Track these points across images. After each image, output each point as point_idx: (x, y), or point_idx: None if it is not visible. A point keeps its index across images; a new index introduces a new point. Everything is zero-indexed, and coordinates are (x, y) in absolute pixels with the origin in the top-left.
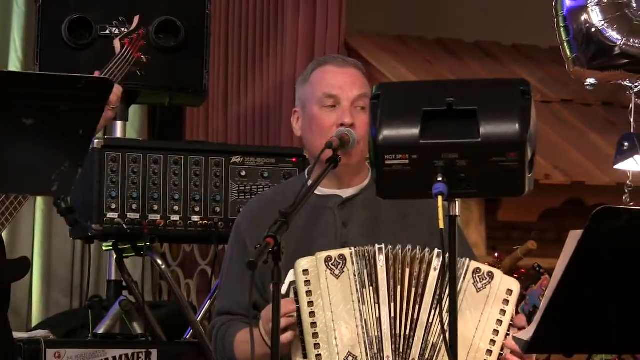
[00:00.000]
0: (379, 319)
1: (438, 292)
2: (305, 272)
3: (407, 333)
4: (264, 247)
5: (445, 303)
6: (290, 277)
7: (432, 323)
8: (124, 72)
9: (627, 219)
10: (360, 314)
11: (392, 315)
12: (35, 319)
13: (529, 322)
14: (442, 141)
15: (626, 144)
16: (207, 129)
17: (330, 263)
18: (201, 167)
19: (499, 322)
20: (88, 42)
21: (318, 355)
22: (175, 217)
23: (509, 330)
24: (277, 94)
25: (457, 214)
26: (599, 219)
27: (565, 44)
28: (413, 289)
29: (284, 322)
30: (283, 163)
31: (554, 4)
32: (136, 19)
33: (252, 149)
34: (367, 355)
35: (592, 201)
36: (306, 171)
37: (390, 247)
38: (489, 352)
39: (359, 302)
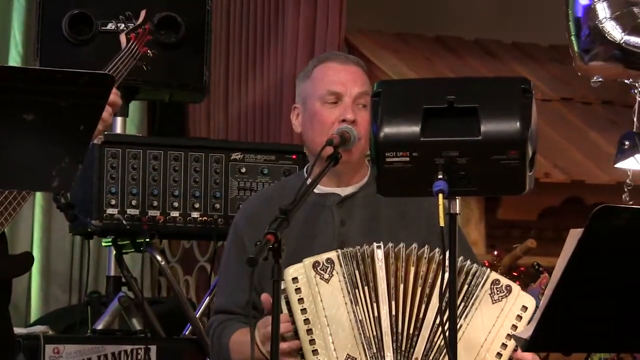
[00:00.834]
0: (377, 318)
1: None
2: (295, 280)
3: (411, 332)
4: (264, 244)
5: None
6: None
7: (439, 324)
8: (129, 66)
9: (627, 218)
10: (355, 315)
11: (394, 313)
12: (34, 315)
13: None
14: (443, 139)
15: (627, 142)
16: (208, 125)
17: (318, 268)
18: (201, 163)
19: (509, 336)
20: (88, 37)
21: None
22: (175, 214)
23: (516, 347)
24: (278, 91)
25: (458, 212)
26: (599, 218)
27: (573, 39)
28: (419, 288)
29: (283, 344)
30: (283, 160)
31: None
32: (142, 14)
33: (252, 146)
34: (366, 355)
35: (592, 200)
36: (305, 168)
37: (390, 245)
38: None
39: (351, 303)
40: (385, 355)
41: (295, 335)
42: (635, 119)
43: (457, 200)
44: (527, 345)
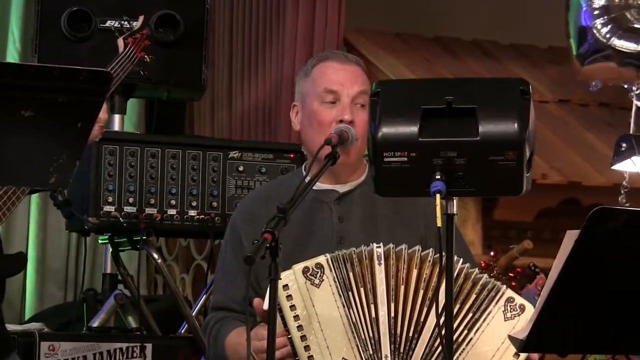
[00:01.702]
0: (375, 319)
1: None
2: (285, 287)
3: (410, 335)
4: (262, 242)
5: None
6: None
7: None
8: (127, 71)
9: (624, 219)
10: (348, 318)
11: (392, 315)
12: (29, 312)
13: None
14: (441, 139)
15: (624, 145)
16: (212, 124)
17: (308, 274)
18: (199, 161)
19: (517, 354)
20: (87, 34)
21: None
22: (172, 211)
23: None
24: (277, 90)
25: (455, 213)
26: (595, 219)
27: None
28: (421, 291)
29: (279, 354)
30: (281, 159)
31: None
32: (140, 19)
33: (250, 144)
34: (362, 357)
35: (588, 201)
36: (303, 166)
37: (391, 245)
38: None
39: (344, 307)
40: (383, 356)
41: (290, 343)
42: (632, 122)
43: (455, 201)
44: (523, 345)
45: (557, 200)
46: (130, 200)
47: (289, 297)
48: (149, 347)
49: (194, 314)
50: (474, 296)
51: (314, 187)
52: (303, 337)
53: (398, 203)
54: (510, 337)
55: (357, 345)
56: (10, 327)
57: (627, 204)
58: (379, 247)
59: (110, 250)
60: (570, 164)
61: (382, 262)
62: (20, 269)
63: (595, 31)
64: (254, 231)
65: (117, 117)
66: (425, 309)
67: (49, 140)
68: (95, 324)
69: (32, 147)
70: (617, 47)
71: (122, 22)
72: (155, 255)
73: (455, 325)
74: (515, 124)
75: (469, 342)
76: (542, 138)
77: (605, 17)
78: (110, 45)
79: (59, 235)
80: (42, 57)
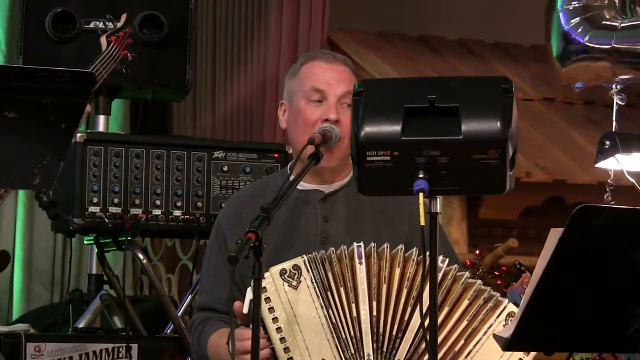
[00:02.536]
0: (356, 319)
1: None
2: (263, 289)
3: (394, 333)
4: (245, 242)
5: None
6: (249, 295)
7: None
8: (109, 69)
9: (608, 217)
10: (327, 319)
11: (375, 313)
12: (15, 313)
13: None
14: (424, 138)
15: (607, 142)
16: (194, 124)
17: (285, 275)
18: (183, 161)
19: None
20: (71, 35)
21: None
22: (157, 212)
23: None
24: (261, 90)
25: (439, 211)
26: (579, 217)
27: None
28: (405, 290)
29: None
30: (265, 158)
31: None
32: (123, 17)
33: (234, 144)
34: (341, 357)
35: (573, 199)
36: (288, 166)
37: (373, 244)
38: None
39: (322, 307)
40: (365, 355)
41: (271, 347)
42: (614, 120)
43: (438, 199)
44: (507, 344)
45: (542, 198)
46: (115, 200)
47: (267, 299)
48: (134, 347)
49: (179, 314)
50: (466, 302)
51: (299, 187)
52: (282, 339)
53: (384, 203)
54: (495, 336)
55: (336, 345)
56: None
57: (613, 202)
58: (360, 246)
59: (96, 251)
60: (555, 162)
61: (364, 261)
62: (3, 267)
63: (571, 32)
64: (239, 231)
65: (101, 118)
66: (409, 308)
67: (33, 142)
68: (81, 324)
69: (16, 148)
70: (591, 45)
71: (107, 22)
72: (141, 256)
73: (447, 329)
74: (498, 123)
75: (467, 354)
76: (526, 136)
77: (580, 17)
78: (95, 46)
79: (46, 236)
80: (27, 58)
